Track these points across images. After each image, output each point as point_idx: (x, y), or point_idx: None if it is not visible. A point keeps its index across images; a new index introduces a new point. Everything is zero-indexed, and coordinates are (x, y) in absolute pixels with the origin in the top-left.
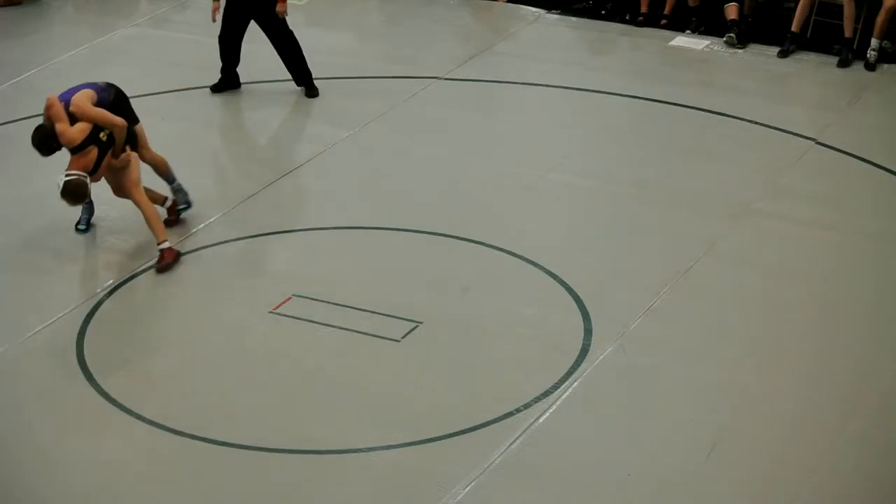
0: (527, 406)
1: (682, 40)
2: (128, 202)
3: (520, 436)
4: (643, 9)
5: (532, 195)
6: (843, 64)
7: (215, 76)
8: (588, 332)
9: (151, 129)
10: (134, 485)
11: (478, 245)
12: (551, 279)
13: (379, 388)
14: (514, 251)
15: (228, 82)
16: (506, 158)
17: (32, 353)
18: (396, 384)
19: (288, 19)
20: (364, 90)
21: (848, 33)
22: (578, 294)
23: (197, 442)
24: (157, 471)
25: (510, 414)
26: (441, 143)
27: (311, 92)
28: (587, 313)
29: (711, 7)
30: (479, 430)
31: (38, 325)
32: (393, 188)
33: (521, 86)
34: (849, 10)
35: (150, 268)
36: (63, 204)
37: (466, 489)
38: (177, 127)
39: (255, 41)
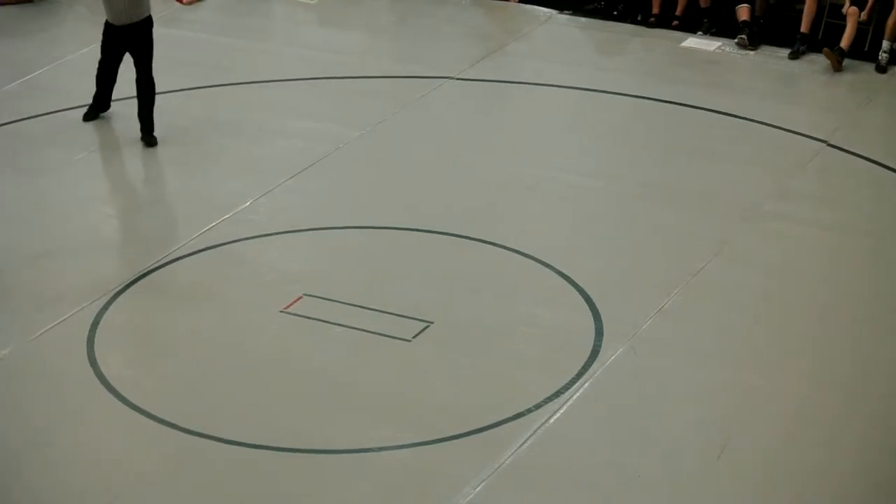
0: (537, 407)
1: (694, 41)
2: (145, 204)
3: (530, 436)
4: (655, 10)
5: (543, 195)
6: (794, 56)
7: (225, 76)
8: (599, 332)
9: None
10: (143, 484)
11: (489, 245)
12: (562, 280)
13: (389, 387)
14: (524, 251)
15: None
16: (517, 158)
17: (41, 351)
18: (407, 384)
19: (299, 18)
20: (375, 90)
21: (804, 28)
22: (589, 295)
23: (207, 441)
24: (166, 470)
25: (521, 414)
26: (452, 142)
27: (151, 140)
28: (598, 314)
29: (723, 8)
30: (489, 431)
31: (48, 323)
32: (404, 188)
33: (533, 86)
34: (810, 6)
35: (159, 267)
36: (72, 203)
37: (476, 489)
38: (184, 126)
39: (260, 40)
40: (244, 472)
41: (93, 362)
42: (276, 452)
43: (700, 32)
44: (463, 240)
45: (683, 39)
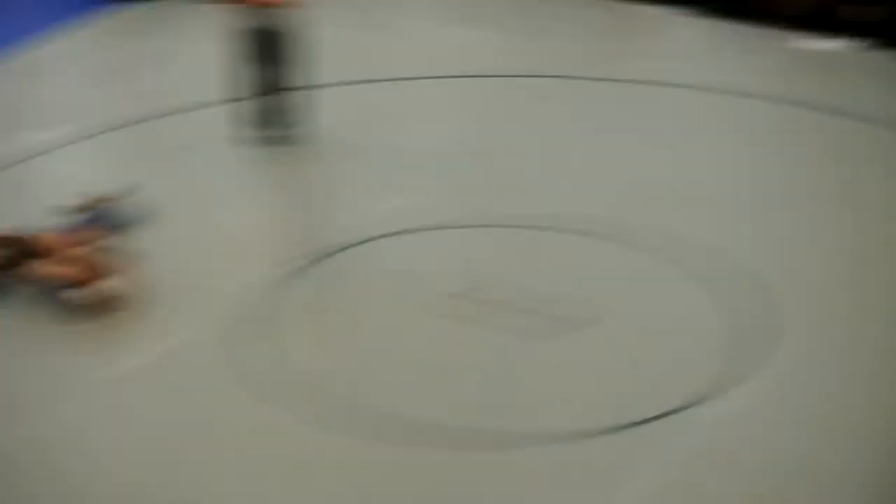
0: (707, 398)
1: (826, 43)
2: (288, 201)
3: (698, 430)
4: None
5: (694, 196)
6: None
7: (357, 72)
8: (773, 323)
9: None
10: (282, 485)
11: (646, 242)
12: (736, 270)
13: (546, 384)
14: (693, 239)
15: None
16: (655, 160)
17: (176, 354)
18: (565, 378)
19: (423, 13)
20: (511, 88)
21: None
22: (765, 283)
23: (355, 440)
24: (328, 473)
25: (689, 405)
26: (599, 141)
27: (287, 138)
28: (772, 304)
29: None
30: (656, 421)
31: (188, 319)
32: (541, 187)
33: (657, 87)
34: None
35: (303, 266)
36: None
37: (646, 481)
38: (322, 123)
39: (391, 37)
40: (400, 471)
41: (235, 360)
42: (426, 451)
43: (834, 34)
44: (617, 239)
45: (816, 40)
